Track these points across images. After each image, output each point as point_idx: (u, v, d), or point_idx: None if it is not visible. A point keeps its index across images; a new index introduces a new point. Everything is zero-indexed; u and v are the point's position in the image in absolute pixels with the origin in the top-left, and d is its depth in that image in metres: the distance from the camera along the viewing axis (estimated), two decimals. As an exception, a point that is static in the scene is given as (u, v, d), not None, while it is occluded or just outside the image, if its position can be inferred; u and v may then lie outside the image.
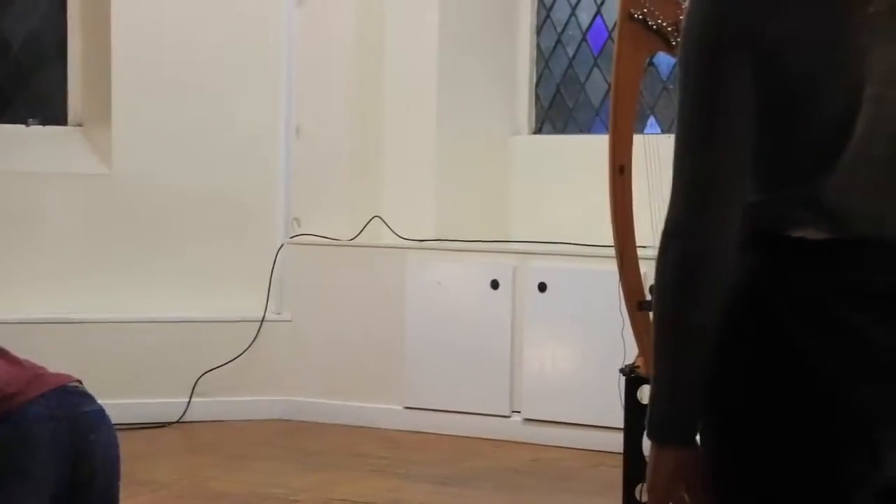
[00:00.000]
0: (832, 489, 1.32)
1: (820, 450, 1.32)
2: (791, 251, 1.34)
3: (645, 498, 3.87)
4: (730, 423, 1.36)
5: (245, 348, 5.19)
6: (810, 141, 1.34)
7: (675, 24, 3.52)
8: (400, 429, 5.02)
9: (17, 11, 5.39)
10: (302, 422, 5.16)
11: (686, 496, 1.39)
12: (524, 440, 4.79)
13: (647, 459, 1.40)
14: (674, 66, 5.10)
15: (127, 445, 4.86)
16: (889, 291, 1.32)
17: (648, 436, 1.40)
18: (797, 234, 1.34)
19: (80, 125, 5.41)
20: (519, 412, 4.88)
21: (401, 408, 5.09)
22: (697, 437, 1.41)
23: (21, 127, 5.22)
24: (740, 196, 1.35)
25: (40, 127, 5.34)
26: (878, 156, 1.33)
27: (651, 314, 3.95)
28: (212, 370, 5.13)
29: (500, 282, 4.92)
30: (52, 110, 5.39)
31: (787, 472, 1.33)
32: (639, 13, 3.49)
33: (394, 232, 5.26)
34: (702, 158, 1.35)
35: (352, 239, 5.28)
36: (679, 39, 3.81)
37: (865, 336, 1.32)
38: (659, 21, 3.50)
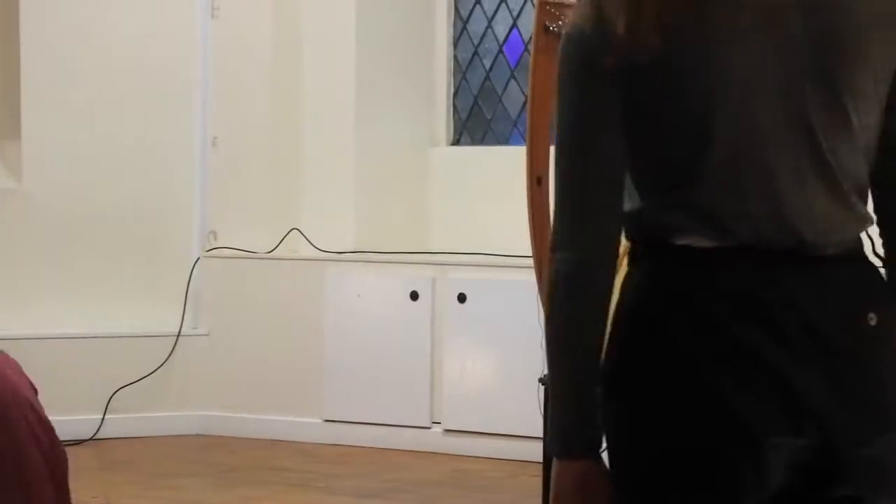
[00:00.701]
0: (721, 497, 1.34)
1: (708, 459, 1.34)
2: (677, 259, 1.37)
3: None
4: (621, 434, 1.38)
5: (161, 363, 5.13)
6: (678, 149, 1.37)
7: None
8: (320, 442, 4.99)
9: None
10: (220, 437, 5.10)
11: None
12: (445, 451, 4.79)
13: (552, 473, 1.41)
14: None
15: (39, 464, 4.74)
16: (771, 300, 1.35)
17: (549, 449, 1.41)
18: (682, 241, 1.37)
19: (-12, 139, 5.31)
20: (439, 423, 4.88)
21: (320, 421, 5.06)
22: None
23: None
24: (617, 207, 1.39)
25: (-53, 141, 5.22)
26: (745, 160, 1.36)
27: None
28: (126, 386, 5.05)
29: (419, 293, 4.92)
30: (-41, 124, 5.28)
31: (679, 480, 1.35)
32: (554, 26, 3.52)
33: (312, 244, 5.23)
34: (577, 174, 1.39)
35: (269, 252, 5.24)
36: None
37: (750, 346, 1.33)
38: (575, 33, 3.54)
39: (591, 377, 1.38)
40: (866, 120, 1.39)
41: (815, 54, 1.36)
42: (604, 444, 1.42)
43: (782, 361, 1.33)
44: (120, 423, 5.05)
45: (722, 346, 1.34)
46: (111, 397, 5.05)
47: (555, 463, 1.40)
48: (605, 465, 1.40)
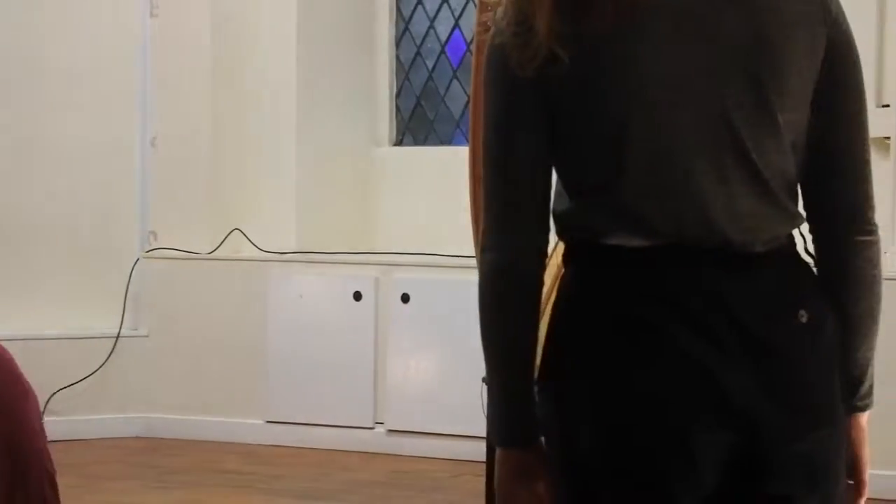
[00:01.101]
0: (655, 496, 1.36)
1: (640, 458, 1.35)
2: (607, 259, 1.39)
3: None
4: (554, 431, 1.40)
5: (100, 365, 5.07)
6: (600, 150, 1.38)
7: (532, 37, 3.58)
8: (262, 443, 4.96)
9: None
10: (161, 439, 5.06)
11: (528, 496, 1.42)
12: (388, 451, 4.79)
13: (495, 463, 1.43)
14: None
15: (-24, 469, 4.66)
16: (700, 299, 1.36)
17: (490, 439, 1.44)
18: (613, 241, 1.38)
19: (-77, 139, 5.22)
20: (382, 423, 4.87)
21: (263, 422, 5.03)
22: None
23: None
24: (541, 207, 1.41)
25: None
26: (664, 160, 1.37)
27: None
28: (65, 388, 4.99)
29: (362, 293, 4.92)
30: None
31: (612, 480, 1.36)
32: (496, 26, 3.53)
33: (254, 245, 5.20)
34: (501, 177, 1.41)
35: (211, 252, 5.20)
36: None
37: (679, 345, 1.35)
38: (516, 34, 3.55)
39: (523, 372, 1.41)
40: (792, 117, 1.40)
41: (739, 53, 1.37)
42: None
43: (711, 361, 1.35)
44: (59, 426, 4.96)
45: (650, 345, 1.35)
46: (49, 400, 4.98)
47: (497, 451, 1.43)
48: (543, 453, 1.42)
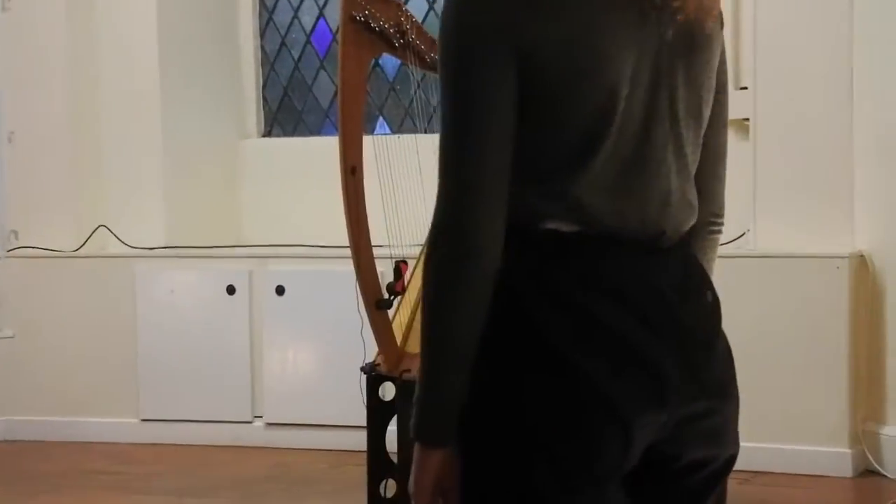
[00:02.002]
0: (584, 480, 1.36)
1: (572, 440, 1.36)
2: (543, 243, 1.38)
3: (389, 494, 3.93)
4: (485, 416, 1.39)
5: (-37, 369, 4.92)
6: (567, 141, 1.38)
7: (397, 25, 3.58)
8: (137, 442, 4.87)
9: None
10: (28, 442, 4.92)
11: (442, 497, 1.41)
12: (268, 445, 4.75)
13: (413, 461, 1.40)
14: (399, 66, 5.18)
15: None
16: (633, 284, 1.39)
17: (415, 437, 1.40)
18: (549, 226, 1.38)
19: None
20: (261, 417, 4.83)
21: (137, 420, 4.94)
22: None
23: None
24: (504, 194, 1.37)
25: None
26: (622, 155, 1.39)
27: (389, 312, 4.01)
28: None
29: (236, 287, 4.86)
30: None
31: (542, 463, 1.36)
32: (360, 15, 3.53)
33: (121, 241, 5.09)
34: (465, 159, 1.35)
35: (76, 250, 5.07)
36: (401, 41, 3.89)
37: (612, 327, 1.37)
38: (381, 23, 3.55)
39: (465, 369, 1.37)
40: (707, 114, 1.47)
41: (681, 51, 1.42)
42: None
43: (647, 344, 1.37)
44: (-79, 434, 4.81)
45: (584, 326, 1.36)
46: None
47: (417, 450, 1.40)
48: (454, 455, 1.40)
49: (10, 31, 5.08)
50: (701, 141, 1.46)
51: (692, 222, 1.46)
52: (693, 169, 1.45)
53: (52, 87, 5.14)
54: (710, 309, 1.46)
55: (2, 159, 5.11)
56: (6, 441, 4.95)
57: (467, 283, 1.36)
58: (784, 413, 4.18)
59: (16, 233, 5.11)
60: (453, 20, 1.36)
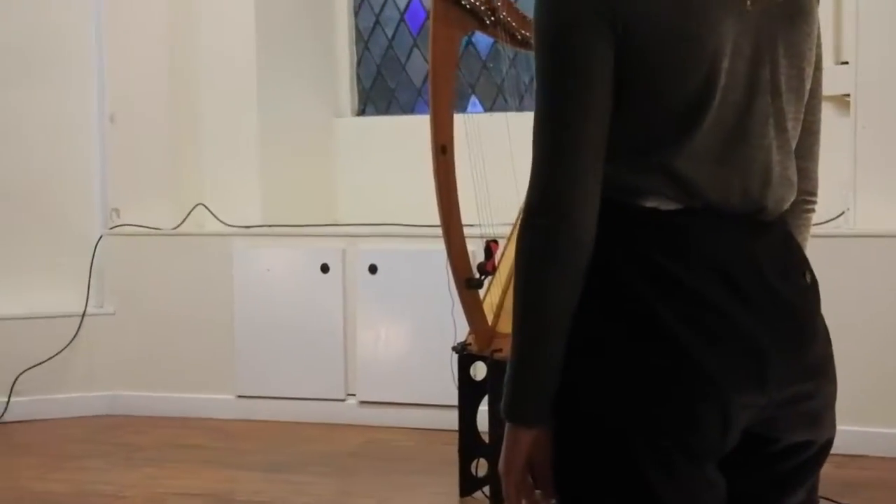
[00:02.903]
0: (683, 457, 1.34)
1: (672, 416, 1.33)
2: (643, 221, 1.36)
3: (482, 473, 3.94)
4: (580, 392, 1.36)
5: (66, 344, 5.04)
6: (670, 114, 1.35)
7: (488, 3, 3.57)
8: (233, 418, 4.95)
9: None
10: (128, 417, 5.04)
11: (532, 476, 1.39)
12: (360, 423, 4.80)
13: (504, 440, 1.39)
14: (492, 44, 5.16)
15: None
16: (735, 261, 1.36)
17: (506, 417, 1.38)
18: (649, 204, 1.36)
19: None
20: (354, 395, 4.87)
21: (233, 397, 5.02)
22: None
23: None
24: (601, 169, 1.35)
25: None
26: (724, 127, 1.37)
27: (480, 292, 4.01)
28: (31, 368, 4.96)
29: (329, 265, 4.90)
30: None
31: (638, 436, 1.34)
32: (451, -7, 3.52)
33: (218, 219, 5.17)
34: (563, 133, 1.34)
35: (175, 228, 5.17)
36: (492, 18, 3.86)
37: (716, 305, 1.34)
38: (472, 1, 3.54)
39: (561, 346, 1.35)
40: (808, 89, 1.44)
41: (782, 23, 1.39)
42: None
43: (748, 322, 1.35)
44: (26, 406, 4.96)
45: (690, 304, 1.34)
46: (16, 380, 4.95)
47: (508, 429, 1.38)
48: (550, 431, 1.38)
49: (112, 14, 5.18)
50: (801, 116, 1.44)
51: (791, 199, 1.44)
52: (793, 144, 1.43)
53: (152, 68, 5.23)
54: (809, 289, 1.43)
55: (105, 139, 5.22)
56: (108, 415, 5.07)
57: (561, 255, 1.34)
58: (882, 396, 4.08)
59: (117, 211, 5.22)
60: None
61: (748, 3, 1.37)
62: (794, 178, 1.44)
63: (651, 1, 1.33)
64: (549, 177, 1.34)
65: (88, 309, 5.11)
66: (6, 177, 5.07)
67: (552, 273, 1.34)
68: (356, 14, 5.56)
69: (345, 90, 5.55)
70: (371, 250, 4.85)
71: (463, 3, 3.52)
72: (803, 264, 1.44)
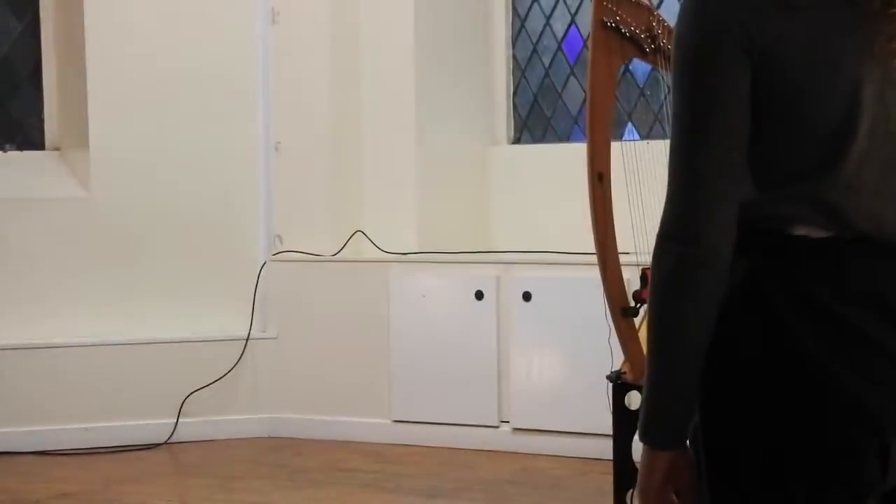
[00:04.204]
0: (843, 495, 1.31)
1: (830, 454, 1.30)
2: (793, 249, 1.34)
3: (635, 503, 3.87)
4: (731, 425, 1.35)
5: (231, 367, 5.18)
6: (813, 139, 1.33)
7: (649, 30, 3.54)
8: (388, 442, 5.01)
9: (-10, 39, 5.39)
10: (289, 439, 5.15)
11: (676, 499, 1.38)
12: (513, 450, 4.79)
13: (639, 464, 1.40)
14: (650, 71, 5.13)
15: (115, 468, 4.86)
16: (891, 292, 1.33)
17: (641, 439, 1.38)
18: (799, 232, 1.33)
19: (57, 149, 5.40)
20: (507, 422, 4.88)
21: (389, 421, 5.08)
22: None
23: (-1, 153, 5.22)
24: (737, 195, 1.34)
25: (17, 152, 5.32)
26: (878, 155, 1.34)
27: (636, 320, 3.97)
28: (198, 390, 5.12)
29: (484, 292, 4.93)
30: (28, 135, 5.38)
31: (795, 475, 1.31)
32: (611, 21, 3.51)
33: (376, 246, 5.26)
34: (699, 158, 1.33)
35: (334, 254, 5.28)
36: (652, 46, 3.84)
37: (872, 338, 1.31)
38: (632, 28, 3.52)
39: (695, 371, 1.34)
40: None
41: None
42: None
43: None
44: (193, 427, 5.11)
45: (843, 336, 1.31)
46: (184, 401, 5.11)
47: (644, 452, 1.38)
48: (691, 455, 1.37)
49: (279, 44, 5.34)
50: None
51: None
52: None
53: (315, 97, 5.36)
54: None
55: (269, 167, 5.37)
56: (270, 438, 5.19)
57: (695, 280, 1.33)
58: None
59: (280, 237, 5.36)
60: (689, 21, 1.35)
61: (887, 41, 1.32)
62: None
63: (787, 26, 1.31)
64: (683, 201, 1.34)
65: (252, 333, 5.25)
66: (177, 204, 5.25)
67: (686, 298, 1.33)
68: (513, 44, 5.60)
69: (501, 119, 5.59)
70: (525, 277, 4.86)
71: (623, 30, 3.51)
72: None
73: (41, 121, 5.37)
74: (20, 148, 5.34)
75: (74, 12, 5.24)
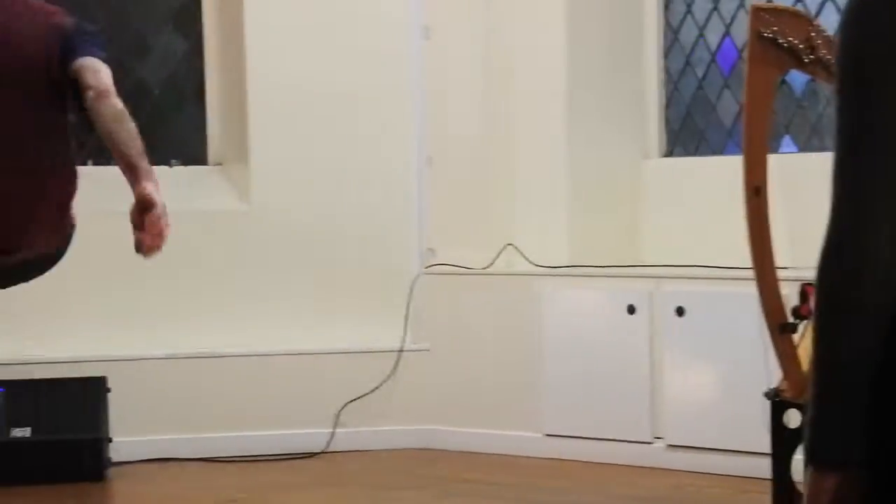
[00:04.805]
0: None
1: None
2: None
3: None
4: None
5: (385, 378, 5.26)
6: None
7: (807, 40, 3.48)
8: (539, 456, 5.00)
9: (157, 58, 5.61)
10: (441, 450, 5.19)
11: None
12: (666, 466, 4.73)
13: (803, 485, 1.37)
14: (807, 81, 5.01)
15: (274, 476, 4.99)
16: None
17: (807, 460, 1.36)
18: None
19: (219, 164, 5.58)
20: (661, 438, 4.82)
21: (540, 435, 5.08)
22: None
23: (165, 168, 5.42)
24: None
25: (182, 167, 5.52)
26: None
27: (794, 337, 3.88)
28: (353, 401, 5.21)
29: (636, 307, 4.89)
30: (192, 151, 5.58)
31: None
32: (768, 32, 3.46)
33: (527, 259, 5.27)
34: (865, 168, 1.31)
35: (486, 267, 5.31)
36: (811, 56, 3.75)
37: None
38: (790, 39, 3.46)
39: (861, 391, 1.32)
40: None
41: None
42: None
43: None
44: (348, 437, 5.21)
45: None
46: (340, 411, 5.21)
47: (810, 474, 1.36)
48: (861, 477, 1.34)
49: (431, 59, 5.42)
50: None
51: None
52: None
53: (467, 111, 5.41)
54: None
55: (422, 181, 5.44)
56: (423, 449, 5.23)
57: (862, 298, 1.30)
58: None
59: (433, 250, 5.42)
60: (853, 33, 1.32)
61: None
62: None
63: None
64: (849, 215, 1.31)
65: (406, 344, 5.32)
66: (333, 217, 5.36)
67: (853, 316, 1.31)
68: (666, 56, 5.55)
69: (653, 131, 5.54)
70: (678, 292, 4.80)
71: (780, 41, 3.45)
72: None
73: (205, 137, 5.57)
74: (185, 163, 5.53)
75: (236, 34, 5.41)
